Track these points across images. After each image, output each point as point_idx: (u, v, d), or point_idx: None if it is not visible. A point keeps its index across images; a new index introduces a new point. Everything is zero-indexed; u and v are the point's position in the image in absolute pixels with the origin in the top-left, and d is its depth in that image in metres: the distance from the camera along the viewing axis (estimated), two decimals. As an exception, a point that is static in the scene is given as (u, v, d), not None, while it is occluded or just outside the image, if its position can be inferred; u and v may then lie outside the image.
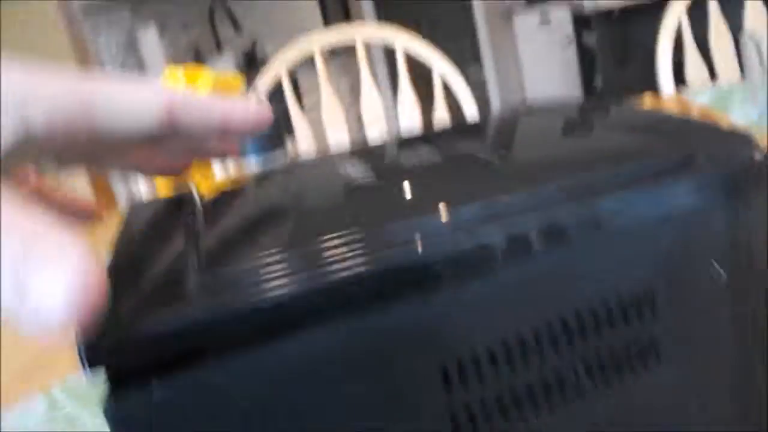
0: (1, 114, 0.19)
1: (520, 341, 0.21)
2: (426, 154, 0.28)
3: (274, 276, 0.19)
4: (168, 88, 0.23)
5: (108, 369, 0.18)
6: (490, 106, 4.17)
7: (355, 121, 1.62)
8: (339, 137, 1.28)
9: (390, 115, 1.30)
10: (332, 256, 0.19)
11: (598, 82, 3.13)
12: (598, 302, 0.22)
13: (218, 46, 2.88)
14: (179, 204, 0.28)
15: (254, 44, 2.91)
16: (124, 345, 0.18)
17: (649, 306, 0.23)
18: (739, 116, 0.89)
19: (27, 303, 0.15)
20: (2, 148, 0.19)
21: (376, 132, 1.26)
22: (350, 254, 0.20)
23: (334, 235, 0.20)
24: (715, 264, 0.23)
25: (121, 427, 0.18)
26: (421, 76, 1.32)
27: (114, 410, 0.18)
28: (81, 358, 0.18)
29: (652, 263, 0.22)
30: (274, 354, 0.19)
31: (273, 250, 0.20)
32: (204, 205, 0.27)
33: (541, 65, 3.77)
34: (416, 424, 0.21)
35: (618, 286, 0.22)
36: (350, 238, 0.20)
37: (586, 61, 3.24)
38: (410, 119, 1.25)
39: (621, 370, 0.23)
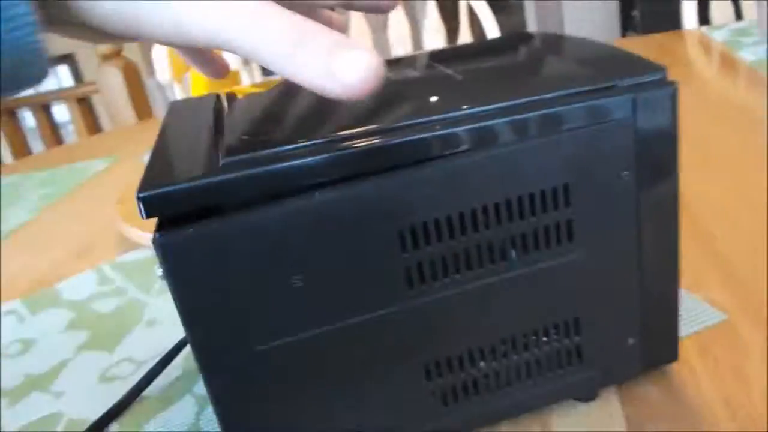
0: None
1: (460, 216, 0.28)
2: (410, 71, 0.35)
3: (280, 153, 0.26)
4: None
5: (158, 216, 0.26)
6: (525, 20, 4.11)
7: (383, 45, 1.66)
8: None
9: (416, 40, 1.35)
10: (323, 144, 0.27)
11: (637, 12, 3.07)
12: (526, 191, 0.29)
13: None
14: (211, 102, 0.35)
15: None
16: (167, 199, 0.25)
17: (564, 197, 0.29)
18: (749, 54, 0.92)
19: (340, 81, 0.23)
20: None
21: (400, 53, 1.31)
22: (338, 142, 0.27)
23: (324, 130, 0.27)
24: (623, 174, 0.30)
25: (165, 254, 0.26)
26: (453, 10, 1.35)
27: (161, 241, 0.25)
28: (139, 209, 0.25)
29: (569, 164, 0.29)
30: (275, 212, 0.26)
31: (279, 137, 0.28)
32: (231, 104, 0.34)
33: (581, -6, 3.70)
34: (379, 276, 0.28)
35: (541, 179, 0.29)
36: (338, 134, 0.27)
37: (626, -9, 3.18)
38: (434, 44, 1.29)
39: (541, 245, 0.30)
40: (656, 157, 0.30)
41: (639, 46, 1.18)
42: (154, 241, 0.26)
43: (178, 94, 0.87)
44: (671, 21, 1.24)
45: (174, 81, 0.77)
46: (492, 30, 1.25)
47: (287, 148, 0.26)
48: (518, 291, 0.31)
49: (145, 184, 0.25)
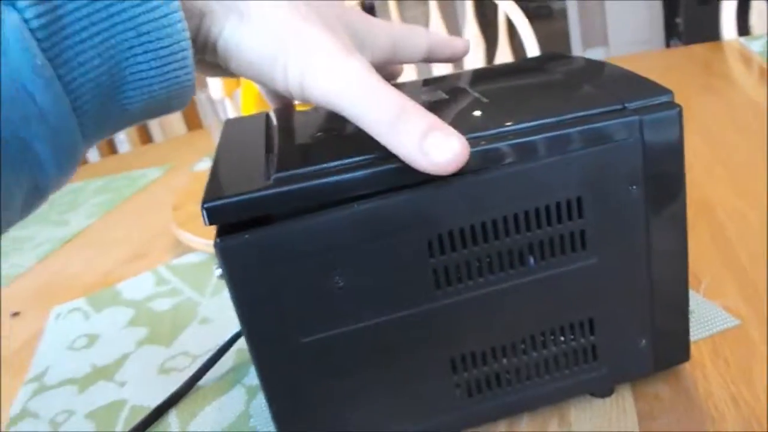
0: (362, 49, 0.35)
1: (482, 226, 0.32)
2: (440, 93, 0.39)
3: (325, 169, 0.30)
4: (428, 31, 0.40)
5: (219, 223, 0.30)
6: (570, 37, 4.10)
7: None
8: (406, 69, 1.36)
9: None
10: (362, 161, 0.30)
11: (680, 20, 3.05)
12: (542, 204, 0.32)
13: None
14: (262, 121, 0.39)
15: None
16: (227, 209, 0.29)
17: (578, 209, 0.33)
18: (783, 66, 0.93)
19: (432, 161, 0.28)
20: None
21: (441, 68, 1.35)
22: (376, 160, 0.30)
23: (364, 148, 0.31)
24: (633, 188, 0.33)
25: (224, 257, 0.30)
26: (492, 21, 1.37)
27: (221, 245, 0.29)
28: (204, 217, 0.29)
29: (582, 179, 0.32)
30: (320, 220, 0.30)
31: (324, 153, 0.31)
32: (280, 122, 0.38)
33: (624, 2, 3.68)
34: (410, 278, 0.32)
35: (556, 193, 0.32)
36: (375, 152, 0.31)
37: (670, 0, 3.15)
38: (474, 55, 1.32)
39: (557, 252, 0.33)
40: (663, 173, 0.33)
41: (677, 58, 1.19)
42: (216, 245, 0.30)
43: (228, 108, 0.92)
44: (713, 29, 1.25)
45: (225, 97, 0.82)
46: (530, 39, 1.27)
47: (331, 164, 0.30)
48: (536, 293, 0.34)
49: (209, 195, 0.30)
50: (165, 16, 0.26)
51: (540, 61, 0.43)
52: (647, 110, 0.32)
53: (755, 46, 1.06)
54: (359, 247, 0.31)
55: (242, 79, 0.65)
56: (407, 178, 0.30)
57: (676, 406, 0.37)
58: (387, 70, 0.42)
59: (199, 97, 0.94)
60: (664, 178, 0.33)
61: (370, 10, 3.06)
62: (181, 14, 0.27)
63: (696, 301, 0.45)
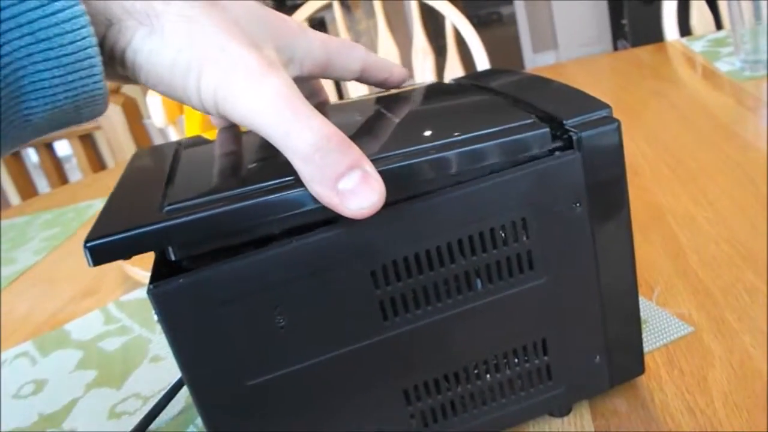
0: (293, 62, 0.34)
1: (426, 253, 0.31)
2: (357, 114, 0.38)
3: (220, 199, 0.28)
4: (366, 50, 0.38)
5: (106, 263, 0.28)
6: (520, 42, 4.15)
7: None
8: (354, 84, 1.36)
9: (406, 62, 1.38)
10: (263, 188, 0.29)
11: (626, 21, 3.11)
12: (486, 227, 0.32)
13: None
14: (172, 149, 0.38)
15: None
16: (112, 248, 0.27)
17: (522, 230, 0.32)
18: (724, 65, 0.95)
19: (346, 205, 0.27)
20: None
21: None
22: (279, 188, 0.29)
23: (262, 175, 0.30)
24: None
25: (158, 303, 0.28)
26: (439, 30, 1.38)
27: (154, 292, 0.28)
28: (87, 258, 0.27)
29: (525, 200, 0.32)
30: (256, 259, 0.29)
31: (221, 183, 0.30)
32: (186, 151, 0.37)
33: (571, 3, 3.74)
34: (355, 311, 0.31)
35: (499, 216, 0.32)
36: (279, 179, 0.29)
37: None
38: (423, 65, 1.33)
39: (504, 275, 0.33)
40: (606, 188, 0.33)
41: (623, 61, 1.21)
42: (149, 291, 0.28)
43: (172, 135, 0.90)
44: (658, 29, 1.27)
45: (168, 125, 0.80)
46: (478, 48, 1.28)
47: (230, 192, 0.29)
48: (486, 317, 0.33)
49: (92, 234, 0.27)
50: (67, 20, 0.24)
51: (478, 78, 0.43)
52: (586, 126, 0.32)
53: (697, 46, 1.08)
54: (299, 284, 0.30)
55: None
56: (313, 209, 0.29)
57: (634, 420, 0.36)
58: (312, 86, 0.41)
59: (147, 122, 0.92)
60: (607, 192, 0.33)
61: (320, 24, 3.06)
62: (86, 19, 0.25)
63: (649, 310, 0.45)
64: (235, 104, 0.27)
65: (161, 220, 0.27)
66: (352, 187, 0.27)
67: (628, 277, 0.35)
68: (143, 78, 0.29)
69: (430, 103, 0.40)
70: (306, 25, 0.35)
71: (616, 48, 3.60)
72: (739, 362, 0.38)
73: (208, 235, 0.28)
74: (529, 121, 0.32)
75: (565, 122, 0.32)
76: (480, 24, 5.27)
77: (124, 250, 0.27)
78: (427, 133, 0.32)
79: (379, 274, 0.31)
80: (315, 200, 0.28)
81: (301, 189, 0.28)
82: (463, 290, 0.32)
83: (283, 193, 0.28)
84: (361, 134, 0.34)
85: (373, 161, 0.28)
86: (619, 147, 0.32)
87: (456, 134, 0.31)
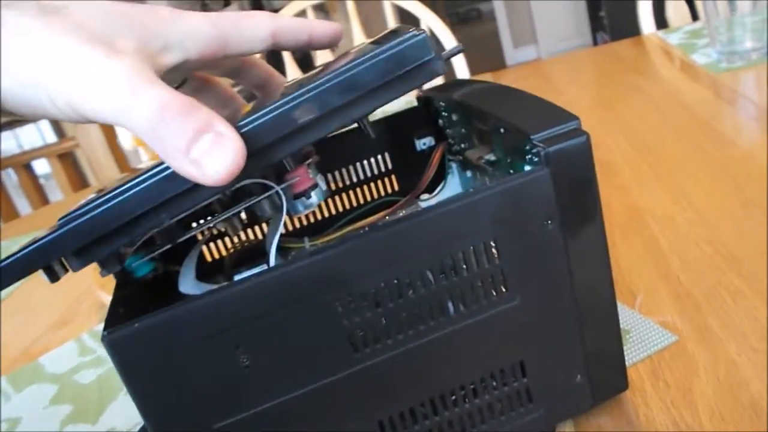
0: (169, 48, 0.30)
1: (397, 281, 0.30)
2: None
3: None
4: (271, 15, 0.34)
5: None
6: (500, 38, 4.14)
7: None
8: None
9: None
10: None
11: (604, 13, 3.12)
12: (456, 250, 0.30)
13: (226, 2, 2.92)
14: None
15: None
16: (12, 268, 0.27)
17: (494, 250, 0.31)
18: (701, 57, 0.94)
19: (203, 173, 0.25)
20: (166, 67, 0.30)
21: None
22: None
23: None
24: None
25: (114, 351, 0.27)
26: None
27: (108, 339, 0.27)
28: None
29: (495, 220, 0.30)
30: (214, 299, 0.28)
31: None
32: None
33: (549, -1, 3.74)
34: (323, 345, 0.30)
35: (469, 238, 0.30)
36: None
37: (593, -8, 3.22)
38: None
39: (478, 297, 0.31)
40: (577, 203, 0.32)
41: (600, 55, 1.20)
42: (103, 339, 0.27)
43: (144, 157, 0.89)
44: (637, 21, 1.26)
45: (138, 146, 0.79)
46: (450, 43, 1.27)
47: (107, 196, 0.27)
48: (461, 342, 0.32)
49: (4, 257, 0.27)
50: None
51: (446, 89, 0.42)
52: (554, 140, 0.31)
53: (673, 38, 1.07)
54: (262, 321, 0.29)
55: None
56: (188, 188, 0.28)
57: (620, 439, 0.35)
58: (223, 95, 0.40)
59: (122, 144, 0.91)
60: (579, 207, 0.32)
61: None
62: None
63: (632, 319, 0.44)
64: (84, 102, 0.26)
65: (51, 232, 0.27)
66: (204, 152, 0.25)
67: (605, 292, 0.34)
68: (5, 105, 0.28)
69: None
70: (184, 11, 0.32)
71: (595, 41, 3.60)
72: (725, 372, 0.37)
73: (94, 238, 0.27)
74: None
75: (532, 137, 0.31)
76: (459, 21, 5.26)
77: (26, 267, 0.27)
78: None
79: (347, 306, 0.30)
80: (182, 177, 0.26)
81: (170, 170, 0.27)
82: (435, 316, 0.31)
83: (154, 179, 0.27)
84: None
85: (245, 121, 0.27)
86: (589, 160, 0.31)
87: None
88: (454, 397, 0.33)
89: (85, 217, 0.27)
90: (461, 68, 1.28)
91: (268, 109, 0.27)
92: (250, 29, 0.33)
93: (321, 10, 2.83)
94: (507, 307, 0.32)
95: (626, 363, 0.38)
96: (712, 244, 0.49)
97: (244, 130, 0.27)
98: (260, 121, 0.27)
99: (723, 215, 0.53)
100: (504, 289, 0.32)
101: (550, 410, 0.35)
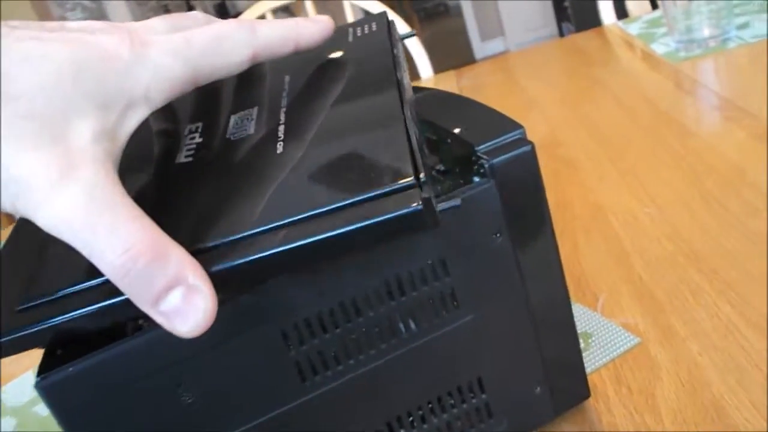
0: (133, 105, 0.26)
1: (341, 306, 0.29)
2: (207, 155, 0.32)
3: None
4: (251, 33, 0.29)
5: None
6: (467, 32, 4.15)
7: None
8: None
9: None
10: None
11: (568, 3, 3.13)
12: (403, 271, 0.30)
13: (188, 5, 2.89)
14: None
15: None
16: None
17: (442, 269, 0.30)
18: (660, 46, 0.94)
19: (172, 328, 0.24)
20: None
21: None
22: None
23: None
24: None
25: (48, 397, 0.26)
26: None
27: (42, 385, 0.26)
28: None
29: (441, 237, 0.30)
30: (150, 337, 0.26)
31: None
32: None
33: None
34: (270, 376, 0.29)
35: (416, 258, 0.30)
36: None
37: (557, -17, 3.23)
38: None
39: (429, 317, 0.31)
40: (526, 214, 0.31)
41: (563, 49, 1.20)
42: (36, 385, 0.26)
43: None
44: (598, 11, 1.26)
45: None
46: (417, 48, 1.26)
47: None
48: (415, 363, 0.31)
49: None
50: None
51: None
52: (498, 151, 0.30)
53: (633, 28, 1.07)
54: (203, 357, 0.28)
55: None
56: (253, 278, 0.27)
57: (584, 449, 0.35)
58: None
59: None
60: (528, 217, 0.31)
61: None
62: None
63: (594, 322, 0.43)
64: (36, 220, 0.23)
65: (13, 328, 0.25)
66: (173, 308, 0.23)
67: (560, 302, 0.33)
68: None
69: (300, 146, 0.30)
70: (147, 39, 0.26)
71: (561, 31, 3.62)
72: (687, 373, 0.37)
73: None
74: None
75: (477, 148, 0.30)
76: (427, 17, 5.26)
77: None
78: (286, 203, 0.26)
79: (292, 335, 0.29)
80: None
81: None
82: (386, 338, 0.30)
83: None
84: (195, 200, 0.28)
85: (209, 250, 0.25)
86: (535, 169, 0.31)
87: (318, 207, 0.25)
88: (411, 419, 0.32)
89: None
90: (424, 66, 1.27)
91: (244, 252, 0.25)
92: (225, 55, 0.28)
93: (286, 11, 2.82)
94: (460, 323, 0.31)
95: (589, 368, 0.38)
96: (673, 241, 0.49)
97: (217, 271, 0.25)
98: (235, 264, 0.25)
99: (684, 210, 0.53)
100: (456, 307, 0.31)
101: (512, 424, 0.34)
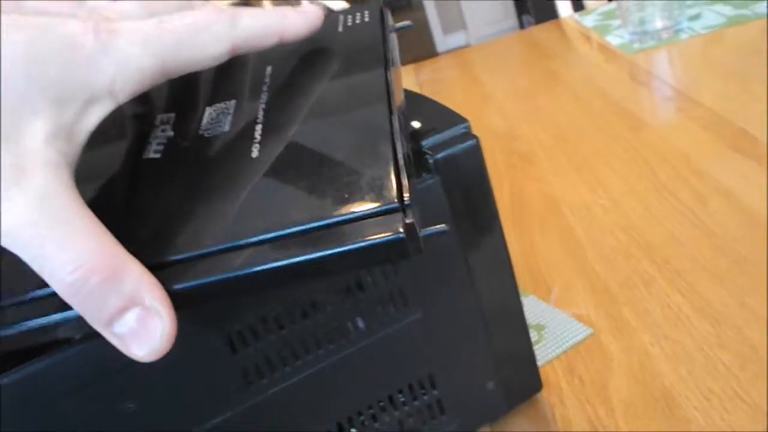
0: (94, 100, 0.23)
1: (287, 308, 0.28)
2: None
3: None
4: (232, 22, 0.26)
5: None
6: (430, 26, 4.16)
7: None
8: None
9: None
10: None
11: (529, -4, 3.14)
12: (352, 276, 0.29)
13: None
14: None
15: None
16: None
17: (392, 268, 0.30)
18: (615, 38, 0.95)
19: (128, 351, 0.22)
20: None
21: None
22: None
23: None
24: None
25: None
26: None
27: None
28: None
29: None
30: (88, 346, 0.26)
31: None
32: None
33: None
34: (216, 381, 0.28)
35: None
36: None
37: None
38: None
39: (378, 315, 0.30)
40: (473, 209, 0.31)
41: (519, 43, 1.20)
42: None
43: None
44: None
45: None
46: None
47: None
48: (365, 362, 0.31)
49: None
50: None
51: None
52: (442, 146, 0.30)
53: (588, 21, 1.08)
54: (145, 363, 0.27)
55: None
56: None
57: (537, 442, 0.35)
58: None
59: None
60: (474, 212, 0.31)
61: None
62: None
63: (547, 313, 0.43)
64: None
65: None
66: (128, 331, 0.22)
67: (510, 296, 0.33)
68: None
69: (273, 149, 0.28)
70: (114, 33, 0.23)
71: (521, 24, 3.64)
72: (638, 364, 0.37)
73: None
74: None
75: (423, 143, 0.30)
76: (390, 11, 5.25)
77: None
78: (257, 218, 0.24)
79: (236, 339, 0.28)
80: None
81: None
82: (334, 338, 0.30)
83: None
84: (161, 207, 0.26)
85: (172, 265, 0.23)
86: (480, 164, 0.30)
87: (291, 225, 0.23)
88: (362, 418, 0.32)
89: None
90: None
91: (209, 270, 0.23)
92: (201, 48, 0.25)
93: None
94: (410, 321, 0.31)
95: (542, 360, 0.38)
96: (626, 232, 0.49)
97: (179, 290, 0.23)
98: (197, 283, 0.23)
99: (636, 201, 0.53)
100: (404, 305, 0.31)
101: (465, 420, 0.34)
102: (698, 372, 0.36)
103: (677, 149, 0.59)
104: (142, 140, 0.30)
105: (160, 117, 0.31)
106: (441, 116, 0.32)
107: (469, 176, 0.30)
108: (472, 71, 1.06)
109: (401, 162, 0.25)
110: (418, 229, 0.23)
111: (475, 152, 0.30)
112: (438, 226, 0.25)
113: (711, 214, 0.48)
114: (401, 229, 0.22)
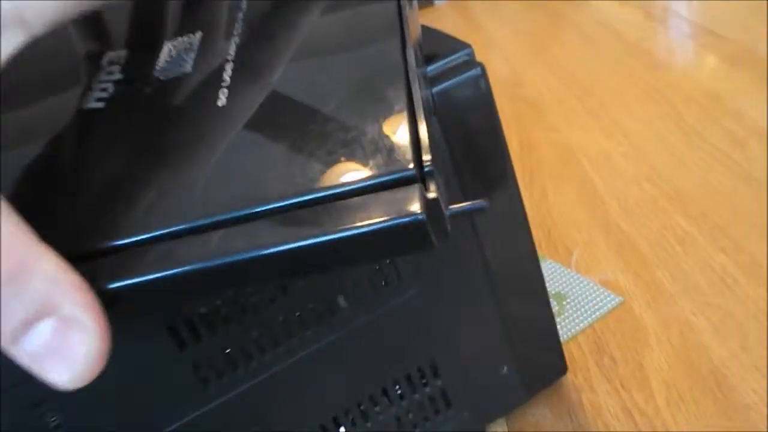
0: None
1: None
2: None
3: None
4: None
5: None
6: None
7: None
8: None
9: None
10: None
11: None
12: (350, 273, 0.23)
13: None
14: None
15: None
16: None
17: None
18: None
19: (42, 375, 0.16)
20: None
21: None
22: None
23: None
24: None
25: None
26: None
27: None
28: None
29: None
30: None
31: None
32: None
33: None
34: (157, 383, 0.22)
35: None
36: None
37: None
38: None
39: (367, 290, 0.24)
40: (479, 157, 0.25)
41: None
42: None
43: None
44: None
45: None
46: None
47: None
48: (352, 350, 0.25)
49: None
50: None
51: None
52: (441, 77, 0.23)
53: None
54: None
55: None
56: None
57: (562, 435, 0.29)
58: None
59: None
60: (481, 162, 0.25)
61: None
62: None
63: (569, 281, 0.37)
64: None
65: None
66: (41, 349, 0.16)
67: (527, 260, 0.27)
68: None
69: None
70: None
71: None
72: (679, 337, 0.31)
73: None
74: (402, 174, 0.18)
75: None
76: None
77: None
78: (220, 192, 0.17)
79: (183, 330, 0.22)
80: None
81: None
82: (311, 324, 0.24)
83: None
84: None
85: (108, 253, 0.17)
86: (488, 98, 0.24)
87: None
88: (351, 417, 0.26)
89: None
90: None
91: (159, 261, 0.17)
92: None
93: None
94: (404, 298, 0.25)
95: (565, 336, 0.32)
96: (653, 182, 0.43)
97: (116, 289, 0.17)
98: (143, 279, 0.17)
99: (663, 147, 0.47)
100: (398, 278, 0.25)
101: (475, 413, 0.28)
102: (753, 345, 0.30)
103: (704, 88, 0.52)
104: (83, 85, 0.23)
105: (109, 55, 0.24)
106: (438, 42, 0.26)
107: (474, 113, 0.24)
108: (472, 17, 0.99)
109: (420, 112, 0.17)
110: (443, 206, 0.16)
111: (480, 83, 0.24)
112: (474, 203, 0.18)
113: (751, 158, 0.42)
114: (420, 208, 0.15)
